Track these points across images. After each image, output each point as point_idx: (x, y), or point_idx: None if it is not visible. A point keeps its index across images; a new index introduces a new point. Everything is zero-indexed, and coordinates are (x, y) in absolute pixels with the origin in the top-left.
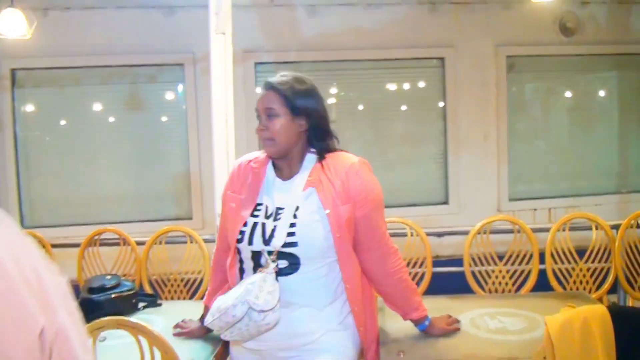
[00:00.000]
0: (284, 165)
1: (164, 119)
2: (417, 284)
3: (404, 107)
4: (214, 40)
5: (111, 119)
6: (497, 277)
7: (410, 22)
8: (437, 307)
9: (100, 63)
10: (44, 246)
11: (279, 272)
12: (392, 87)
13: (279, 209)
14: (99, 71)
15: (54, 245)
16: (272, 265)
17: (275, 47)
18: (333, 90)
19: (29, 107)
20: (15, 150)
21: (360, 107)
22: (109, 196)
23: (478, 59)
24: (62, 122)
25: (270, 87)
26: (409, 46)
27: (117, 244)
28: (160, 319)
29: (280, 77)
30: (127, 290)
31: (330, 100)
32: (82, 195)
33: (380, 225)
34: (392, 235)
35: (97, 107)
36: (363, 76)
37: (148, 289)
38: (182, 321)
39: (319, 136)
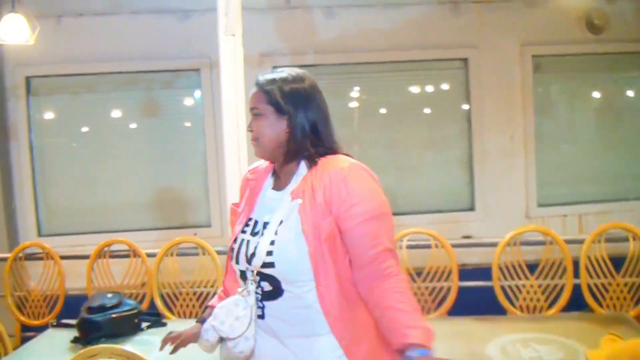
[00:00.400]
0: (281, 173)
1: (181, 124)
2: (443, 299)
3: (426, 110)
4: (224, 42)
5: (127, 126)
6: (528, 292)
7: (431, 22)
8: (462, 330)
9: (114, 69)
10: (52, 257)
11: (265, 296)
12: (414, 89)
13: (266, 224)
14: (113, 77)
15: (63, 257)
16: (249, 288)
17: (293, 50)
18: (353, 93)
19: (44, 115)
20: (31, 158)
21: (382, 111)
22: (126, 204)
23: (502, 59)
24: (77, 129)
25: (256, 84)
26: (431, 47)
27: (127, 256)
28: None
29: (271, 73)
30: (129, 310)
31: (351, 104)
32: (99, 202)
33: (373, 245)
34: (415, 247)
35: (113, 113)
36: (384, 79)
37: (159, 303)
38: (170, 334)
39: (303, 139)
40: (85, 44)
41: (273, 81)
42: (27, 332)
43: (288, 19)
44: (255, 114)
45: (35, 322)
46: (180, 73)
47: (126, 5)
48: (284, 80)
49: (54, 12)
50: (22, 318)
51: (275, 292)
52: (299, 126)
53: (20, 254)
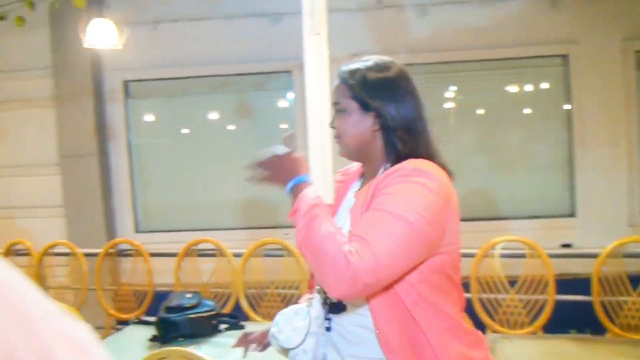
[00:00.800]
0: (367, 175)
1: (273, 126)
2: (538, 312)
3: (525, 110)
4: (308, 42)
5: (220, 127)
6: (629, 309)
7: (528, 17)
8: (558, 352)
9: (209, 73)
10: (142, 255)
11: (332, 309)
12: (511, 88)
13: None
14: (207, 80)
15: (153, 254)
16: (314, 298)
17: (384, 50)
18: (448, 94)
19: (141, 117)
20: (129, 158)
21: (479, 112)
22: (219, 203)
23: (604, 55)
24: (173, 131)
25: (338, 75)
26: (528, 44)
27: (214, 255)
28: None
29: (356, 62)
30: (207, 311)
31: (446, 105)
32: (194, 201)
33: (355, 227)
34: (509, 255)
35: (207, 116)
36: (479, 78)
37: (244, 303)
38: (246, 335)
39: (393, 138)
40: (181, 48)
41: (356, 72)
42: (118, 325)
43: (379, 19)
44: (337, 109)
45: (124, 316)
46: (272, 75)
47: (220, 10)
48: (369, 69)
49: (150, 19)
50: (112, 311)
51: (339, 305)
52: (387, 124)
53: (112, 250)
